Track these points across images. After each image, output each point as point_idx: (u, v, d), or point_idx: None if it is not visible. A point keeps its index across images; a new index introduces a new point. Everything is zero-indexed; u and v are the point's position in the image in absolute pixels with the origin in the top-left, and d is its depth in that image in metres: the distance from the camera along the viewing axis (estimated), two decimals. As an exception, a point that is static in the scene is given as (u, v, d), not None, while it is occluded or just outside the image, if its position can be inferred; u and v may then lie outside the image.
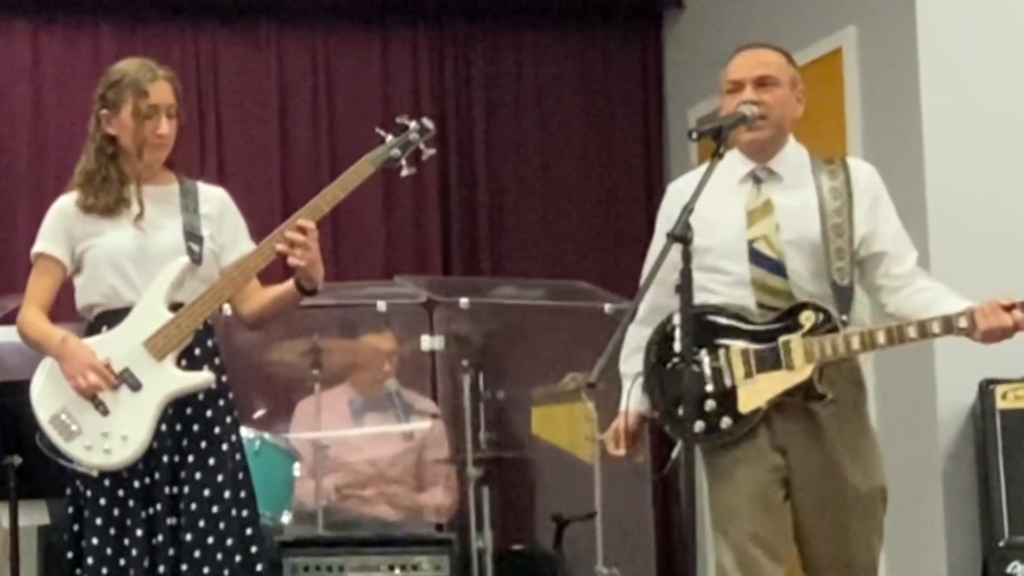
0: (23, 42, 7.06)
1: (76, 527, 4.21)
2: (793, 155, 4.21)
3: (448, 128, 7.34)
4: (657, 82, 7.72)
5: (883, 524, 4.15)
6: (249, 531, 4.23)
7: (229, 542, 4.16)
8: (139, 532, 4.13)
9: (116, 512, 4.15)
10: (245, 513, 4.23)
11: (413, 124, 4.31)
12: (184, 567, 4.12)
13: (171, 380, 4.15)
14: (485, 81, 7.56)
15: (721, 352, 4.06)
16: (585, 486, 6.27)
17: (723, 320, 4.07)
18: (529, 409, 6.63)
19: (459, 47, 7.54)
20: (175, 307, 4.18)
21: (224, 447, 4.23)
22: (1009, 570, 5.24)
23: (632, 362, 4.19)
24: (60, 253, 4.26)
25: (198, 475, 4.17)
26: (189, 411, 4.20)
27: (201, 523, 4.14)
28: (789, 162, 4.19)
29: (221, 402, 4.26)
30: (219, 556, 4.15)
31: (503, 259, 7.49)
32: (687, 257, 3.62)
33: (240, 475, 4.26)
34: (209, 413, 4.23)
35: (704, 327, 3.98)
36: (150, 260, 4.20)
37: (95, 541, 4.14)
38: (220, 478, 4.19)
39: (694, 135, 4.04)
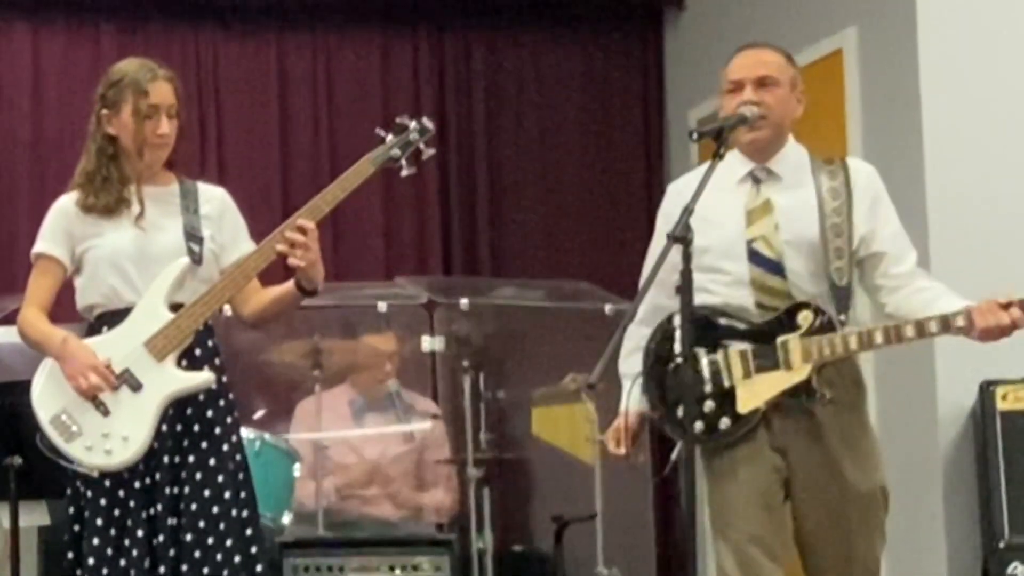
0: (24, 42, 7.06)
1: (77, 528, 4.21)
2: (793, 155, 4.21)
3: (448, 128, 7.35)
4: (658, 82, 7.72)
5: (885, 524, 4.15)
6: (249, 531, 4.23)
7: (229, 542, 4.16)
8: (140, 533, 4.13)
9: (117, 513, 4.14)
10: (245, 513, 4.23)
11: (413, 124, 4.31)
12: (184, 567, 4.12)
13: (172, 381, 4.15)
14: (485, 81, 7.56)
15: (719, 353, 4.06)
16: (585, 487, 6.27)
17: (721, 321, 4.07)
18: (529, 410, 6.63)
19: (459, 47, 7.54)
20: (175, 308, 4.18)
21: (225, 447, 4.23)
22: (1009, 570, 5.24)
23: (631, 362, 4.18)
24: (60, 253, 4.26)
25: (199, 475, 4.17)
26: (190, 411, 4.20)
27: (201, 523, 4.14)
28: (789, 162, 4.19)
29: (222, 402, 4.26)
30: (219, 556, 4.15)
31: (503, 260, 7.49)
32: (687, 258, 3.62)
33: (240, 475, 4.26)
34: (210, 413, 4.23)
35: (703, 328, 3.97)
36: (150, 261, 4.20)
37: (96, 542, 4.14)
38: (220, 478, 4.19)
39: (695, 136, 4.05)
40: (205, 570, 4.13)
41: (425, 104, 7.30)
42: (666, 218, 4.12)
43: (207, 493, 4.16)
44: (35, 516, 5.12)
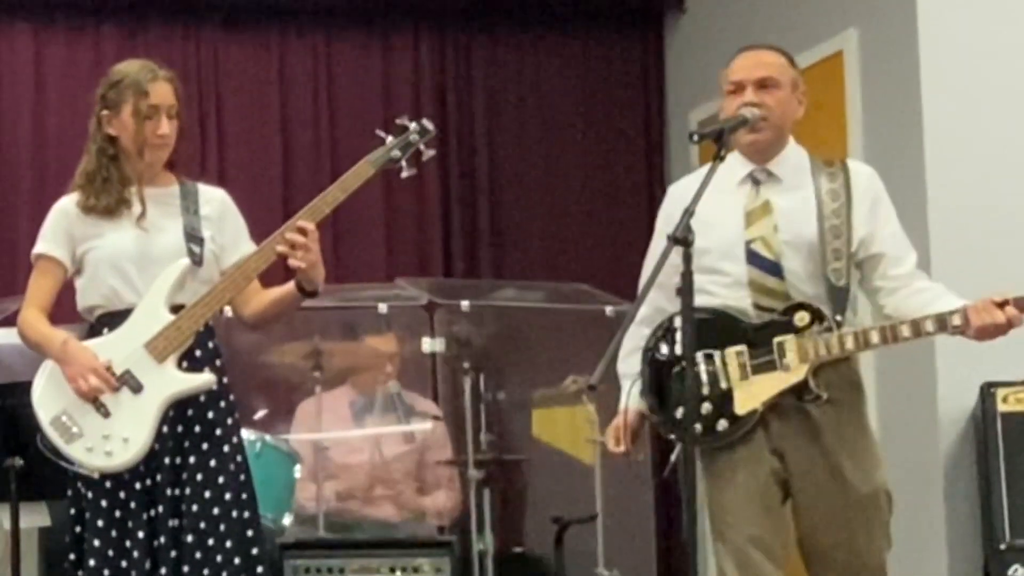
0: (24, 43, 7.06)
1: (77, 529, 4.21)
2: (793, 157, 4.21)
3: (449, 130, 7.35)
4: (658, 84, 7.72)
5: (889, 527, 4.14)
6: (250, 533, 4.24)
7: (230, 544, 4.16)
8: (140, 534, 4.13)
9: (117, 514, 4.15)
10: (246, 515, 4.23)
11: (413, 125, 4.31)
12: (185, 568, 4.12)
13: (172, 382, 4.15)
14: (486, 83, 7.56)
15: (716, 354, 4.07)
16: (586, 488, 6.27)
17: (719, 322, 4.07)
18: (530, 411, 6.63)
19: (460, 49, 7.54)
20: (176, 309, 4.18)
21: (225, 449, 4.23)
22: (1010, 572, 5.24)
23: (631, 361, 4.19)
24: (61, 254, 4.26)
25: (199, 477, 4.17)
26: (190, 413, 4.20)
27: (202, 525, 4.14)
28: (788, 164, 4.19)
29: (222, 404, 4.26)
30: (220, 558, 4.15)
31: (504, 261, 7.49)
32: (688, 259, 3.62)
33: (241, 477, 4.26)
34: (210, 415, 4.23)
35: (700, 329, 3.97)
36: (151, 262, 4.20)
37: (96, 543, 4.14)
38: (221, 480, 4.19)
39: (695, 137, 4.04)
40: (206, 571, 4.13)
41: (425, 105, 7.30)
42: (666, 219, 4.12)
43: (208, 494, 4.16)
44: (36, 517, 5.12)
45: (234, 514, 4.19)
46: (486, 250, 7.49)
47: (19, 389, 4.35)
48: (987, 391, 5.40)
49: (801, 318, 4.03)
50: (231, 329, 4.83)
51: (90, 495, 4.16)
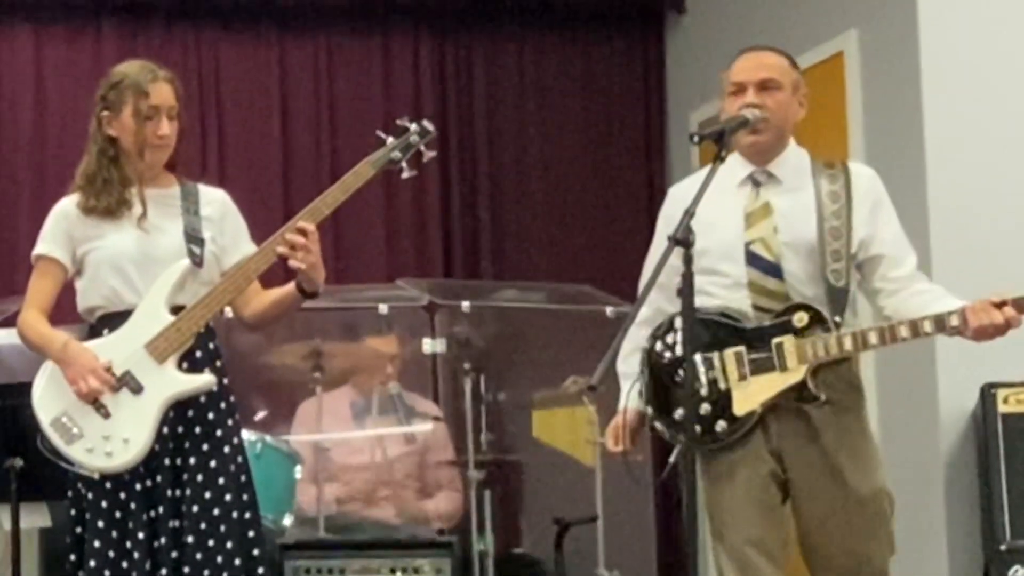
0: (25, 44, 7.07)
1: (78, 530, 4.21)
2: (793, 158, 4.21)
3: (449, 130, 7.35)
4: (658, 85, 7.72)
5: (893, 532, 4.13)
6: (251, 534, 4.24)
7: (230, 545, 4.16)
8: (141, 535, 4.13)
9: (118, 515, 4.15)
10: (247, 516, 4.24)
11: (414, 126, 4.31)
12: (186, 570, 4.12)
13: (172, 383, 4.15)
14: (486, 84, 7.56)
15: (715, 355, 4.07)
16: (586, 489, 6.26)
17: (717, 323, 4.07)
18: (530, 412, 6.63)
19: (460, 50, 7.54)
20: (176, 310, 4.18)
21: (226, 450, 4.23)
22: (1011, 573, 5.24)
23: (631, 362, 4.19)
24: (61, 255, 4.26)
25: (200, 477, 4.17)
26: (191, 414, 4.20)
27: (203, 525, 4.14)
28: (789, 165, 4.19)
29: (222, 405, 4.26)
30: (220, 559, 4.15)
31: (504, 262, 7.49)
32: (688, 261, 3.62)
33: (242, 478, 4.26)
34: (211, 416, 4.23)
35: (700, 330, 3.97)
36: (151, 263, 4.20)
37: (97, 544, 4.14)
38: (222, 481, 4.19)
39: (696, 138, 4.03)
40: (207, 572, 4.13)
41: (426, 106, 7.31)
42: (667, 221, 4.12)
43: (208, 495, 4.16)
44: (36, 518, 5.12)
45: (235, 515, 4.19)
46: (487, 251, 7.49)
47: (19, 390, 4.35)
48: (987, 392, 5.40)
49: (800, 319, 4.03)
50: (231, 330, 4.83)
51: (90, 496, 4.16)
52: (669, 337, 4.14)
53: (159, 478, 4.15)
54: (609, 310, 6.47)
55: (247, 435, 5.09)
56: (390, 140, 4.29)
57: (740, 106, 4.08)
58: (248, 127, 7.29)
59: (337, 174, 4.36)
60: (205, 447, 4.20)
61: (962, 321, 3.91)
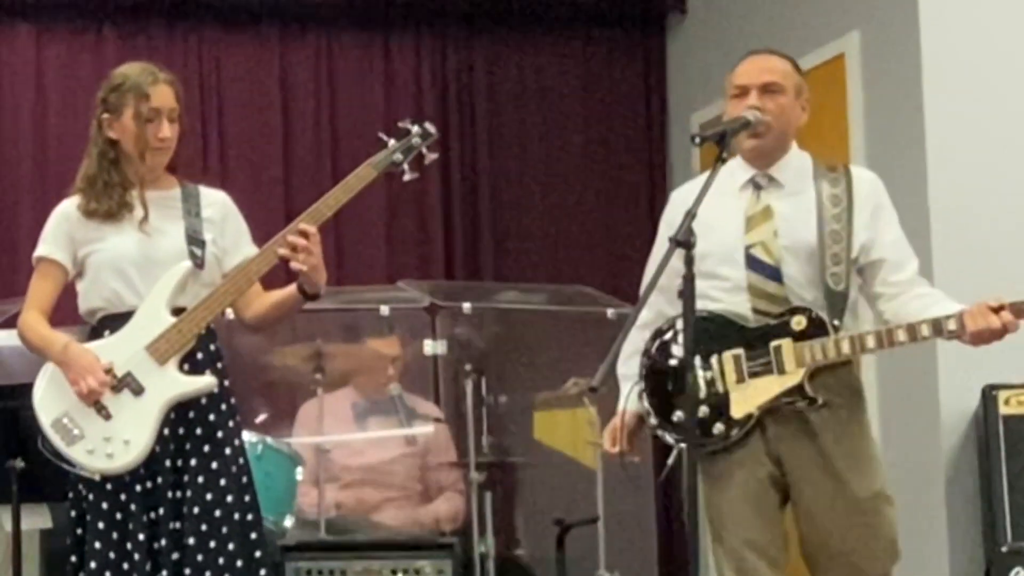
0: (26, 46, 7.06)
1: (78, 531, 4.21)
2: (795, 162, 4.21)
3: (450, 132, 7.35)
4: (659, 87, 7.72)
5: (896, 538, 4.13)
6: (253, 535, 4.24)
7: (232, 546, 4.16)
8: (141, 536, 4.13)
9: (118, 516, 4.15)
10: (249, 517, 4.24)
11: (415, 128, 4.31)
12: (187, 571, 4.12)
13: (173, 384, 4.15)
14: (488, 86, 7.56)
15: (713, 358, 4.07)
16: (587, 491, 6.26)
17: (717, 326, 4.07)
18: (531, 414, 6.62)
19: (461, 52, 7.54)
20: (177, 311, 4.18)
21: (227, 451, 4.23)
22: (1012, 575, 5.23)
23: (631, 364, 4.19)
24: (62, 257, 4.26)
25: (201, 479, 4.17)
26: (191, 415, 4.20)
27: (204, 527, 4.14)
28: (791, 169, 4.19)
29: (223, 406, 4.26)
30: (222, 560, 4.15)
31: (506, 264, 7.49)
32: (690, 262, 3.62)
33: (243, 479, 4.26)
34: (211, 417, 4.23)
35: (698, 333, 3.97)
36: (153, 264, 4.20)
37: (97, 545, 4.14)
38: (223, 482, 4.19)
39: (697, 140, 4.03)
40: (207, 574, 4.13)
41: (427, 108, 7.31)
42: (668, 225, 4.11)
43: (209, 497, 4.16)
44: (37, 519, 5.13)
45: (236, 516, 4.19)
46: (487, 252, 7.49)
47: (20, 391, 4.35)
48: (989, 393, 5.40)
49: (798, 322, 4.03)
50: (233, 331, 4.83)
51: (91, 497, 4.16)
52: (669, 339, 4.14)
53: (160, 479, 4.15)
54: (610, 312, 6.47)
55: (248, 436, 5.09)
56: (392, 142, 4.29)
57: (742, 109, 4.08)
58: (249, 129, 7.29)
59: (338, 175, 4.37)
60: (206, 448, 4.20)
61: (960, 325, 3.91)
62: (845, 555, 4.07)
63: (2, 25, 7.02)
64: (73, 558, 4.22)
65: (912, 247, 4.21)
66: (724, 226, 4.08)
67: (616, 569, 6.26)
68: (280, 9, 7.32)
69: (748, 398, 4.04)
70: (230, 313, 4.41)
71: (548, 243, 7.53)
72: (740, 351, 4.05)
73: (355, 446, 6.43)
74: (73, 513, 4.23)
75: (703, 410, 4.05)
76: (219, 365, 4.28)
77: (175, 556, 4.13)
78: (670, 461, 4.14)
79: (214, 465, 4.19)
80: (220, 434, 4.23)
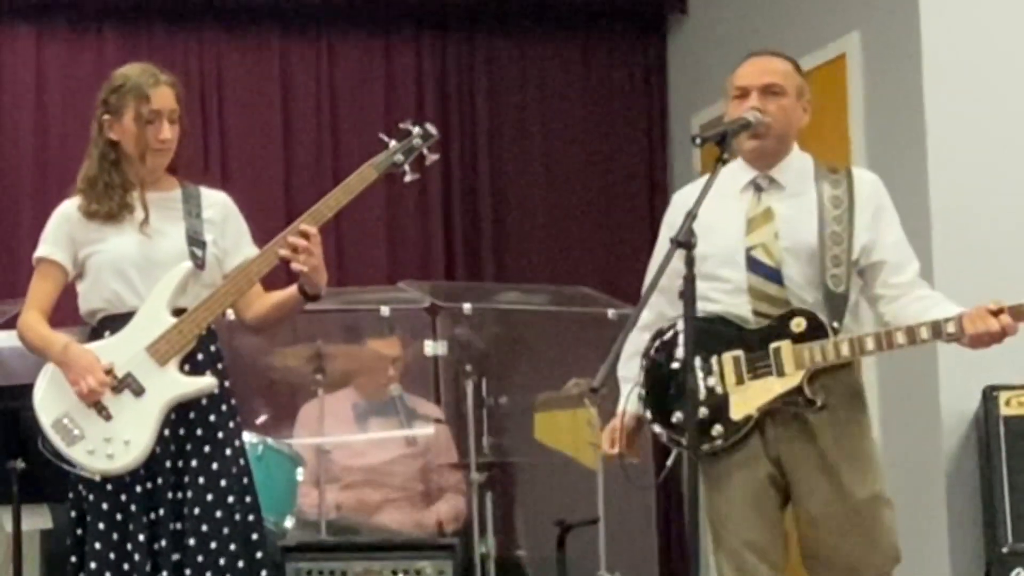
0: (27, 47, 7.07)
1: (79, 531, 4.21)
2: (796, 163, 4.20)
3: (451, 133, 7.35)
4: (660, 88, 7.72)
5: (894, 537, 4.12)
6: (254, 536, 4.24)
7: (233, 547, 4.16)
8: (141, 537, 4.13)
9: (119, 517, 4.15)
10: (250, 518, 4.24)
11: (416, 129, 4.31)
12: (187, 572, 4.12)
13: (174, 385, 4.15)
14: (488, 87, 7.56)
15: (713, 360, 4.06)
16: (588, 491, 6.26)
17: (716, 328, 4.07)
18: (532, 414, 6.62)
19: (462, 53, 7.54)
20: (178, 312, 4.18)
21: (227, 452, 4.23)
22: (1012, 576, 5.25)
23: (631, 366, 4.19)
24: (62, 258, 4.26)
25: (201, 480, 4.17)
26: (192, 416, 4.20)
27: (204, 528, 4.14)
28: (792, 170, 4.18)
29: (224, 407, 4.26)
30: (222, 561, 4.15)
31: (506, 264, 7.49)
32: (690, 263, 3.62)
33: (244, 480, 4.26)
34: (212, 418, 4.23)
35: (698, 334, 3.96)
36: (153, 265, 4.20)
37: (97, 546, 4.14)
38: (223, 483, 4.19)
39: (698, 140, 4.03)
40: (208, 575, 4.13)
41: (428, 109, 7.31)
42: (670, 227, 4.10)
43: (210, 498, 4.16)
44: (37, 520, 5.12)
45: (237, 517, 4.19)
46: (488, 253, 7.49)
47: (21, 392, 4.35)
48: (989, 394, 5.40)
49: (798, 324, 4.03)
50: (233, 332, 4.83)
51: (91, 498, 4.16)
52: (669, 341, 4.13)
53: (160, 480, 4.15)
54: (610, 312, 6.48)
55: (249, 437, 5.09)
56: (393, 143, 4.29)
57: (743, 110, 4.08)
58: (250, 129, 7.29)
59: (339, 176, 4.38)
60: (207, 449, 4.20)
61: (959, 328, 3.91)
62: (844, 557, 4.07)
63: (2, 25, 7.03)
64: (73, 559, 4.22)
65: (913, 248, 4.20)
66: (725, 228, 4.08)
67: (617, 570, 6.26)
68: (280, 10, 7.32)
69: (747, 400, 4.04)
70: (231, 314, 4.41)
71: (548, 244, 7.53)
72: (740, 353, 4.05)
73: (356, 447, 6.43)
74: (73, 514, 4.23)
75: (702, 412, 4.04)
76: (220, 366, 4.28)
77: (175, 557, 4.13)
78: (669, 462, 4.14)
79: (215, 466, 4.19)
80: (221, 435, 4.23)
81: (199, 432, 4.20)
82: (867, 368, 4.28)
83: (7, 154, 7.00)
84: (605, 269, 7.37)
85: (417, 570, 5.44)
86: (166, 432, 4.15)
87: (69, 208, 4.29)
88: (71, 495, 4.23)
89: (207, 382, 4.19)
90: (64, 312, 4.39)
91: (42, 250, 4.30)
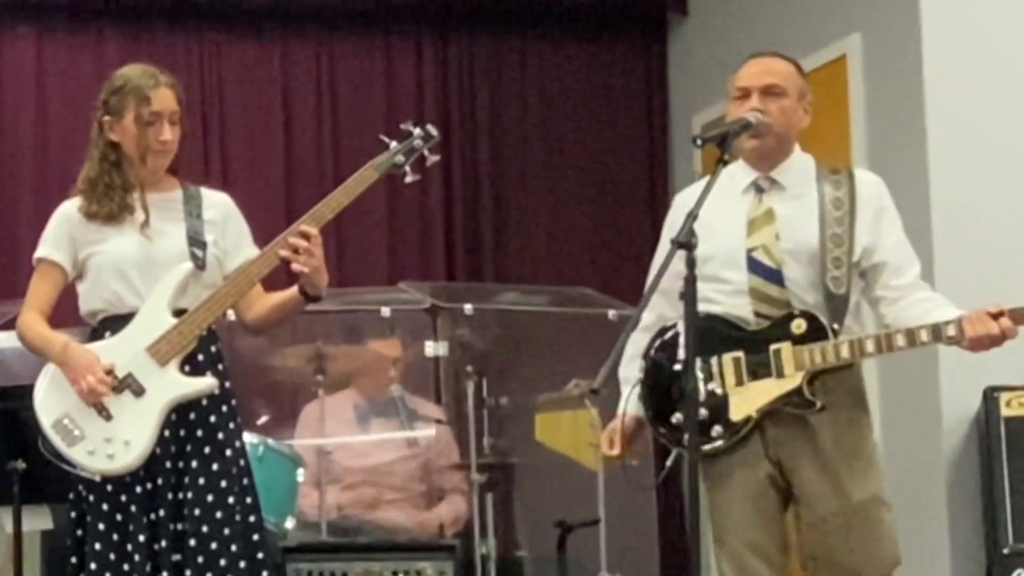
0: (27, 48, 7.07)
1: (79, 532, 4.21)
2: (797, 164, 4.20)
3: (452, 134, 7.35)
4: (661, 89, 7.72)
5: (894, 539, 4.12)
6: (255, 537, 4.24)
7: (233, 548, 4.16)
8: (141, 537, 4.13)
9: (119, 517, 4.15)
10: (250, 519, 4.24)
11: (417, 130, 4.31)
12: (188, 572, 4.12)
13: (174, 385, 4.15)
14: (489, 87, 7.56)
15: (713, 361, 4.06)
16: (589, 492, 6.26)
17: (716, 329, 4.07)
18: (533, 415, 6.62)
19: (463, 53, 7.54)
20: (179, 313, 4.18)
21: (227, 453, 4.23)
22: (1013, 577, 5.25)
23: (631, 367, 4.19)
24: (62, 258, 4.26)
25: (201, 481, 4.17)
26: (192, 416, 4.20)
27: (205, 528, 4.14)
28: (793, 171, 4.18)
29: (224, 408, 4.26)
30: (223, 562, 4.15)
31: (507, 265, 7.49)
32: (691, 263, 3.61)
33: (244, 481, 4.26)
34: (212, 419, 4.23)
35: (699, 336, 3.96)
36: (154, 266, 4.20)
37: (98, 546, 4.14)
38: (224, 484, 4.19)
39: (698, 141, 4.02)
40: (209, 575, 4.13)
41: (429, 110, 7.31)
42: (671, 228, 4.10)
43: (211, 498, 4.16)
44: (38, 520, 5.12)
45: (237, 518, 4.19)
46: (489, 254, 7.49)
47: (21, 392, 4.35)
48: (990, 395, 5.40)
49: (798, 325, 4.03)
50: (234, 333, 4.82)
51: (91, 498, 4.16)
52: (669, 341, 4.13)
53: (160, 481, 4.15)
54: (611, 313, 6.47)
55: (249, 438, 5.09)
56: (393, 144, 4.29)
57: (744, 111, 4.08)
58: (251, 130, 7.29)
59: (339, 177, 4.38)
60: (207, 450, 4.20)
61: (958, 331, 3.91)
62: (844, 559, 4.06)
63: (2, 26, 7.03)
64: (74, 559, 4.22)
65: (914, 248, 4.20)
66: (726, 229, 4.08)
67: (617, 571, 6.26)
68: (280, 10, 7.32)
69: (747, 401, 4.04)
70: (231, 315, 4.41)
71: (549, 244, 7.53)
72: (740, 354, 4.05)
73: (356, 448, 6.43)
74: (73, 514, 4.23)
75: (702, 413, 4.04)
76: (220, 366, 4.28)
77: (176, 557, 4.13)
78: (669, 463, 4.14)
79: (215, 467, 4.19)
80: (221, 436, 4.23)
81: (199, 433, 4.20)
82: (868, 369, 4.28)
83: (7, 154, 7.00)
84: (605, 270, 7.37)
85: (417, 571, 5.45)
86: (166, 433, 4.15)
87: (69, 209, 4.29)
88: (71, 496, 4.23)
89: (207, 383, 4.19)
90: (64, 312, 4.39)
91: (42, 250, 4.30)
